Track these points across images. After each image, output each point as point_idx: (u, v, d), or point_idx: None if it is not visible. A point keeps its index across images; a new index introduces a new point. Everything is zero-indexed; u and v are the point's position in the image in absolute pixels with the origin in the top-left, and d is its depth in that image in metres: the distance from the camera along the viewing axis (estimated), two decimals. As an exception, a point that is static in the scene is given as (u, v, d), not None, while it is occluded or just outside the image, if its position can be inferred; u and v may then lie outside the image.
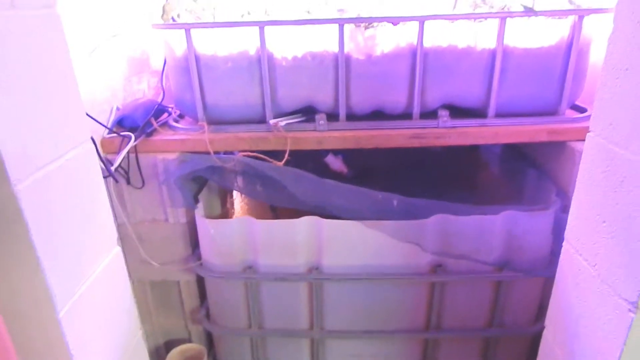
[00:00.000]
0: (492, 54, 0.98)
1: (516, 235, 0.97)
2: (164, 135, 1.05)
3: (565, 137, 1.00)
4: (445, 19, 0.96)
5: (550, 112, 1.03)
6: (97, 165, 0.68)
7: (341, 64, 0.98)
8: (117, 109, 1.11)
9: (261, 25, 0.96)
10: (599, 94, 0.64)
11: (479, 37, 0.98)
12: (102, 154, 1.00)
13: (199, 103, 1.03)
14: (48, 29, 0.59)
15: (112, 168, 0.98)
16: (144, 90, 1.27)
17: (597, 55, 1.04)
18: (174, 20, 1.19)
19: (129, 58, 1.18)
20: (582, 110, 1.07)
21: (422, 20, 0.94)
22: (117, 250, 0.73)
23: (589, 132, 0.67)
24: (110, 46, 1.08)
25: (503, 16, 0.95)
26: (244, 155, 1.00)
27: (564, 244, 0.73)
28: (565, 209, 0.97)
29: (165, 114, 1.16)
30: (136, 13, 1.19)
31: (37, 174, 0.55)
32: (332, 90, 1.02)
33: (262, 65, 0.98)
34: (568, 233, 0.72)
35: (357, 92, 1.02)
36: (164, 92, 1.21)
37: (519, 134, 1.00)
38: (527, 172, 1.15)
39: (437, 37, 0.98)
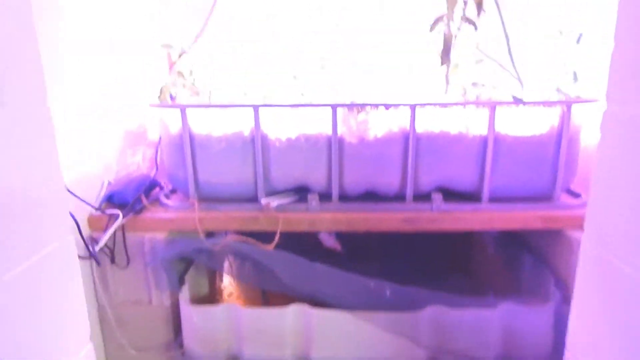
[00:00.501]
0: (484, 140, 0.98)
1: (515, 329, 0.92)
2: (153, 213, 1.03)
3: (561, 225, 0.98)
4: (436, 105, 0.98)
5: (545, 197, 1.02)
6: (76, 260, 0.65)
7: (334, 147, 0.98)
8: (109, 183, 1.10)
9: (255, 107, 0.98)
10: (592, 201, 0.63)
11: (471, 123, 0.99)
12: (88, 232, 0.98)
13: (191, 180, 1.02)
14: (36, 122, 0.58)
15: (97, 248, 0.95)
16: (139, 162, 1.27)
17: (588, 140, 1.05)
18: (171, 97, 1.22)
19: (125, 132, 1.20)
20: (576, 195, 1.06)
21: (413, 106, 0.96)
22: (89, 347, 0.68)
23: (583, 232, 0.65)
24: (105, 121, 1.09)
25: (492, 105, 0.97)
26: (234, 238, 0.98)
27: (565, 351, 0.69)
28: (565, 299, 0.93)
29: (157, 189, 1.15)
30: (135, 88, 1.22)
31: (6, 275, 0.52)
32: (325, 172, 1.02)
33: (256, 146, 0.99)
34: (570, 339, 0.68)
35: (350, 174, 1.02)
36: (157, 168, 1.21)
37: (514, 220, 0.99)
38: (524, 259, 1.12)
39: (429, 122, 0.99)
